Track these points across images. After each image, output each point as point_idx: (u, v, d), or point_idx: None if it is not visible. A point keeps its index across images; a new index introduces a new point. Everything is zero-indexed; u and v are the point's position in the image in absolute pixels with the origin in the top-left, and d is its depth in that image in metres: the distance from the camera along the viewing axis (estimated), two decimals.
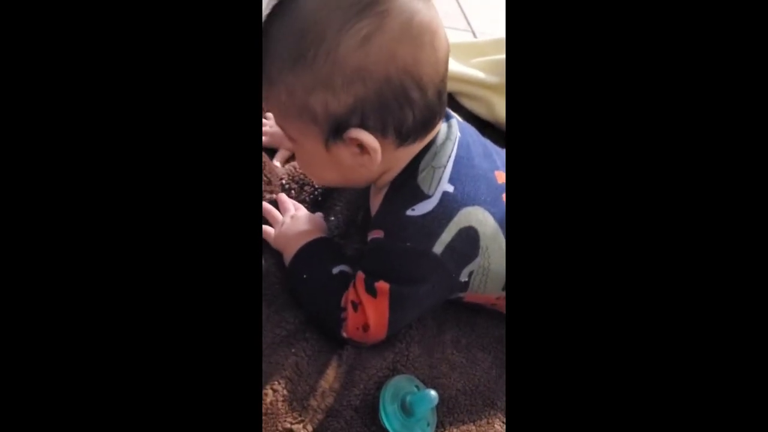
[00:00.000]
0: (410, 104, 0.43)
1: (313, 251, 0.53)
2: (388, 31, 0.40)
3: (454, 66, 0.86)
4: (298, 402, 0.45)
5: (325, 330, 0.51)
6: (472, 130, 0.55)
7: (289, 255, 0.54)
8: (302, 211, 0.58)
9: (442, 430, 0.47)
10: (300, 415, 0.43)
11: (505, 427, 0.48)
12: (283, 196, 0.60)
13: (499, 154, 0.55)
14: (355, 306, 0.48)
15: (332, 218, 0.61)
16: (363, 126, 0.43)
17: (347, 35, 0.40)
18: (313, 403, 0.45)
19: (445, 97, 0.46)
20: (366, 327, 0.48)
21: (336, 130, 0.43)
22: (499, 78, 0.83)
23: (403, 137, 0.45)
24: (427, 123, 0.46)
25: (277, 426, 0.42)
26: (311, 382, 0.46)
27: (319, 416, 0.44)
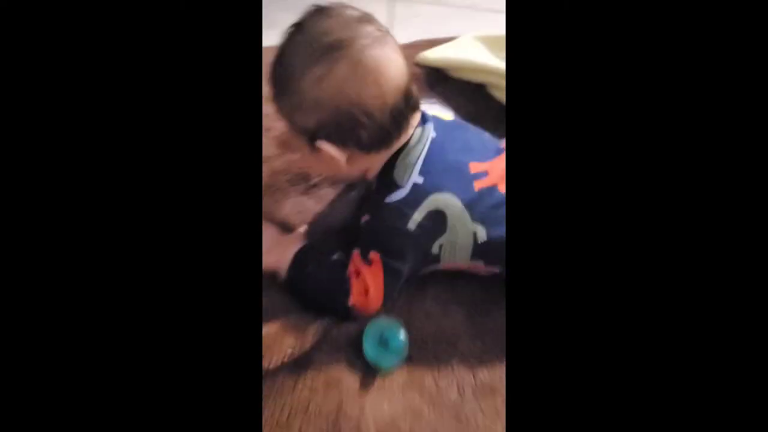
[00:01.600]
0: (361, 126, 0.56)
1: (309, 250, 0.65)
2: (336, 74, 0.54)
3: (486, 58, 0.95)
4: (300, 330, 0.60)
5: (331, 305, 0.61)
6: (457, 128, 0.67)
7: (285, 263, 0.63)
8: (274, 232, 0.69)
9: (411, 362, 0.60)
10: (298, 338, 0.59)
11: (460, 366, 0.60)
12: None
13: (486, 145, 0.66)
14: (357, 275, 0.61)
15: (353, 192, 0.76)
16: (328, 139, 0.57)
17: (307, 75, 0.54)
18: (317, 326, 0.60)
19: (402, 117, 0.58)
20: (366, 290, 0.60)
21: (311, 140, 0.58)
22: None
23: (365, 148, 0.58)
24: (384, 138, 0.59)
25: (281, 345, 0.58)
26: (309, 320, 0.61)
27: (319, 334, 0.59)
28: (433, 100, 0.87)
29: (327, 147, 0.58)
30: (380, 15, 0.60)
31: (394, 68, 0.56)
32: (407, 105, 0.58)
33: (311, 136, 0.58)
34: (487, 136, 0.70)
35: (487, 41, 1.00)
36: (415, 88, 0.60)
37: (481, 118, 0.88)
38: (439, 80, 0.98)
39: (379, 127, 0.57)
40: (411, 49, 1.03)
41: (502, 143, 0.70)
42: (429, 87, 0.97)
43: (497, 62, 0.95)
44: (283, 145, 0.79)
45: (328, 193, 0.78)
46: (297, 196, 0.77)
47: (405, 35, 1.13)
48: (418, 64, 0.99)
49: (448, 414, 0.56)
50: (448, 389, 0.58)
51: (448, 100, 0.94)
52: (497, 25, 1.06)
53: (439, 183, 0.60)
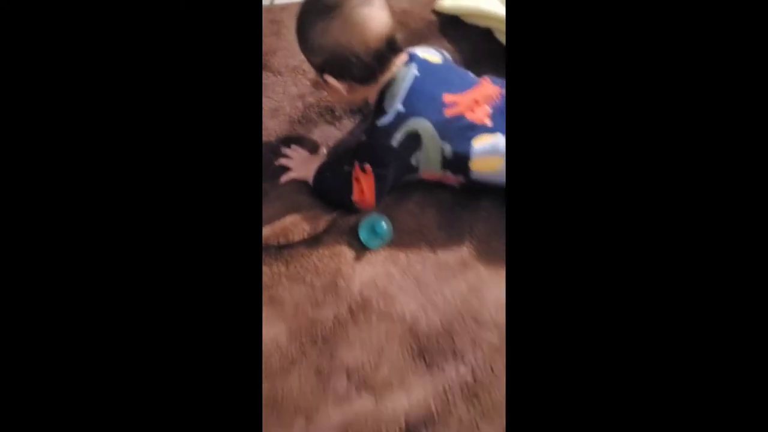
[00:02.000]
0: (352, 65, 0.77)
1: (328, 164, 0.90)
2: (332, 27, 0.76)
3: (493, 6, 1.10)
4: (316, 219, 0.85)
5: (341, 201, 0.85)
6: (441, 68, 0.87)
7: (312, 172, 0.88)
8: (304, 152, 0.93)
9: (392, 245, 0.84)
10: (313, 224, 0.84)
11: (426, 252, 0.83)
12: (287, 151, 0.93)
13: (464, 82, 0.85)
14: (357, 180, 0.84)
15: (366, 122, 0.98)
16: (331, 74, 0.79)
17: (312, 30, 0.77)
18: (327, 217, 0.85)
19: (385, 58, 0.79)
20: (362, 191, 0.84)
21: (321, 74, 0.80)
22: None
23: (358, 81, 0.80)
24: (371, 74, 0.80)
25: (301, 228, 0.83)
26: (323, 212, 0.86)
27: (329, 223, 0.85)
28: (438, 46, 1.04)
29: (331, 80, 0.81)
30: None
31: (376, 23, 0.77)
32: (390, 49, 0.79)
33: (321, 72, 0.81)
34: (469, 75, 0.89)
35: None
36: (399, 36, 0.80)
37: (484, 58, 1.05)
38: (453, 26, 1.14)
39: (365, 66, 0.79)
40: None
41: (480, 79, 0.88)
42: (442, 32, 1.13)
43: (502, 9, 1.09)
44: (316, 84, 1.02)
45: (348, 124, 1.01)
46: (324, 125, 1.01)
47: None
48: (435, 11, 1.16)
49: (410, 277, 0.80)
50: (414, 263, 0.82)
51: (458, 43, 1.11)
52: None
53: (417, 110, 0.80)
